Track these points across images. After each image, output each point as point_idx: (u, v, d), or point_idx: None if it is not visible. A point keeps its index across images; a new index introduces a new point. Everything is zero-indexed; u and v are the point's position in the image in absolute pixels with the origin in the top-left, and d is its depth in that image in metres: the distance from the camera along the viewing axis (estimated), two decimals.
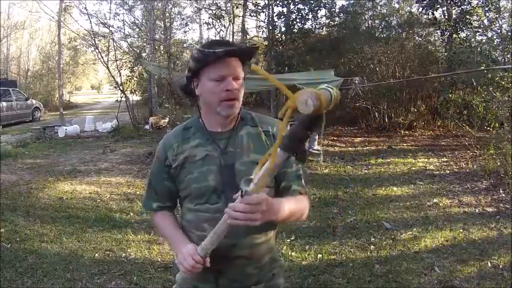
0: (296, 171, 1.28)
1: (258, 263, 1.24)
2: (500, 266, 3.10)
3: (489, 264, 3.14)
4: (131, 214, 4.53)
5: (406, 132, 9.48)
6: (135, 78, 13.41)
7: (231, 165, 1.20)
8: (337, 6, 12.18)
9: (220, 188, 1.19)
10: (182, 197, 1.28)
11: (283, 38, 11.19)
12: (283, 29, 11.20)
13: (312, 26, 11.62)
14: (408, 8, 12.57)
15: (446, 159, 6.79)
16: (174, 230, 1.28)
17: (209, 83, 1.17)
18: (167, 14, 14.33)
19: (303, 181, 1.29)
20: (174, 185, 1.28)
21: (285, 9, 11.07)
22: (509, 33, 9.02)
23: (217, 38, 12.11)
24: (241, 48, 1.23)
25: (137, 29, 14.74)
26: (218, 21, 11.48)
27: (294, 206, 1.19)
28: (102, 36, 12.01)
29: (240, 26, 13.24)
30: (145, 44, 13.79)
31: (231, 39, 12.72)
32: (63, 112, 14.41)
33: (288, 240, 3.65)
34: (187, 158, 1.23)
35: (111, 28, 12.15)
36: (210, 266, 1.13)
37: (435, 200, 4.76)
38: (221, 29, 12.18)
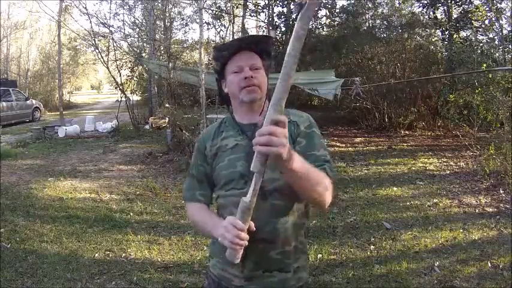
0: (324, 155, 1.27)
1: (281, 248, 1.26)
2: (500, 266, 3.10)
3: (489, 264, 3.14)
4: (131, 214, 4.53)
5: (406, 132, 9.47)
6: (135, 78, 13.40)
7: None
8: (338, 6, 12.18)
9: (247, 174, 1.22)
10: (215, 184, 1.37)
11: (283, 38, 11.16)
12: (283, 29, 11.18)
13: (312, 26, 11.60)
14: (409, 8, 12.56)
15: (446, 159, 6.78)
16: (211, 215, 1.35)
17: (230, 76, 1.31)
18: (167, 14, 14.35)
19: (331, 165, 1.26)
20: (211, 171, 1.37)
21: (285, 9, 11.06)
22: (510, 34, 9.00)
23: (217, 38, 12.14)
24: (252, 36, 1.32)
25: (137, 29, 14.74)
26: (218, 21, 11.49)
27: (312, 168, 1.13)
28: (102, 36, 12.01)
29: (240, 26, 13.25)
30: (145, 44, 13.79)
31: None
32: (63, 112, 14.39)
33: None
34: (219, 148, 1.34)
35: (111, 28, 12.16)
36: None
37: (435, 200, 4.76)
38: (221, 29, 12.20)
